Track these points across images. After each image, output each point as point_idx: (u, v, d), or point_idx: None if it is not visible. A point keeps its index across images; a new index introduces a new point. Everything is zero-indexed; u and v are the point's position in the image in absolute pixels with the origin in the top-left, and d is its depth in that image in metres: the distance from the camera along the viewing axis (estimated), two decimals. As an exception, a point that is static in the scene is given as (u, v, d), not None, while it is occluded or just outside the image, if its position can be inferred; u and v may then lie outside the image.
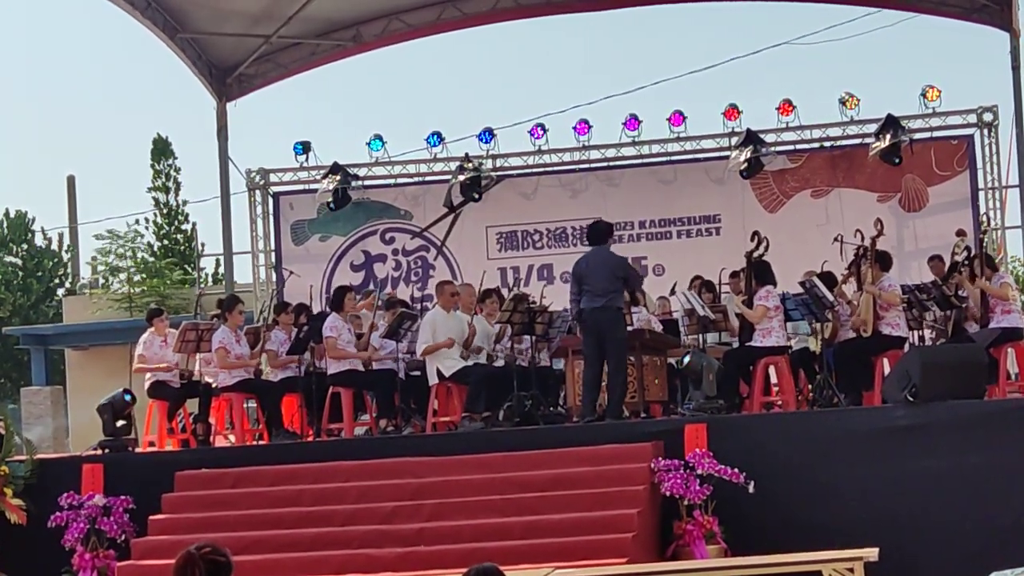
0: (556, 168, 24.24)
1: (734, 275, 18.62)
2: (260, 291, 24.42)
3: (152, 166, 45.68)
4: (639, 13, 25.83)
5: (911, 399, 14.22)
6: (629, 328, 16.78)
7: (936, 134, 22.97)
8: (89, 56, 76.23)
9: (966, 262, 17.64)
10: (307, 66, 25.13)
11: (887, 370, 16.24)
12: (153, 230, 44.93)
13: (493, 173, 23.91)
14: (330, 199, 23.62)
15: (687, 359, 15.99)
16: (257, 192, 24.88)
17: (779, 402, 17.24)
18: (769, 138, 22.88)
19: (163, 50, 23.62)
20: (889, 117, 22.14)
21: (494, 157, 24.09)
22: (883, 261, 16.97)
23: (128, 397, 16.91)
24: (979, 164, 22.81)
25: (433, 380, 17.07)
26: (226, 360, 17.50)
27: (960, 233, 18.97)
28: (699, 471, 13.88)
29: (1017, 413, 14.23)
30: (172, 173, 45.79)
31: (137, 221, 42.96)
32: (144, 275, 37.67)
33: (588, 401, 15.67)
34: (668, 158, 23.90)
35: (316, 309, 20.20)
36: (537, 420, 16.13)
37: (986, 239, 21.30)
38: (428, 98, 70.15)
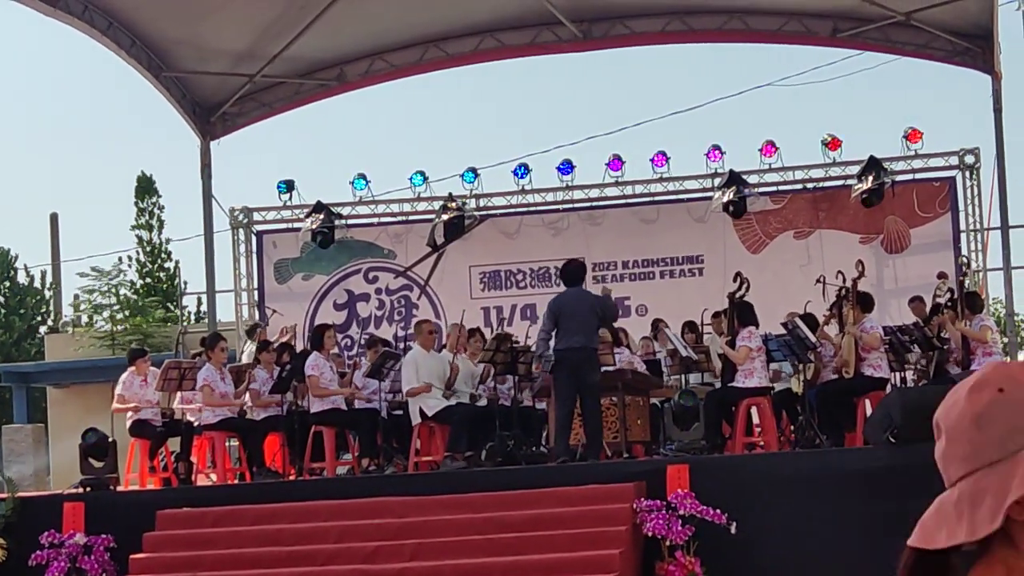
0: (539, 208, 24.28)
1: (716, 316, 18.71)
2: (242, 329, 24.39)
3: (136, 204, 45.70)
4: (622, 54, 25.96)
5: (893, 440, 14.24)
6: (612, 368, 16.83)
7: (918, 176, 23.06)
8: (73, 93, 76.22)
9: (948, 304, 17.69)
10: (291, 105, 25.17)
11: (869, 411, 16.26)
12: (136, 268, 44.91)
13: (476, 213, 23.97)
14: (317, 238, 23.68)
15: (682, 399, 15.99)
16: (240, 230, 24.89)
17: (761, 443, 17.25)
18: (752, 179, 22.96)
19: (147, 88, 23.66)
20: (871, 159, 22.24)
21: (477, 197, 24.14)
22: (865, 303, 17.02)
23: (89, 438, 16.81)
24: (961, 206, 22.88)
25: (416, 419, 17.08)
26: (211, 398, 17.49)
27: (942, 275, 19.03)
28: (681, 512, 13.88)
29: (998, 455, 14.24)
30: (155, 211, 45.81)
31: (120, 259, 42.87)
32: (127, 313, 37.60)
33: (563, 441, 15.69)
34: (651, 199, 23.96)
35: (299, 348, 20.19)
36: (519, 460, 16.13)
37: (967, 281, 21.36)
38: (412, 137, 70.28)
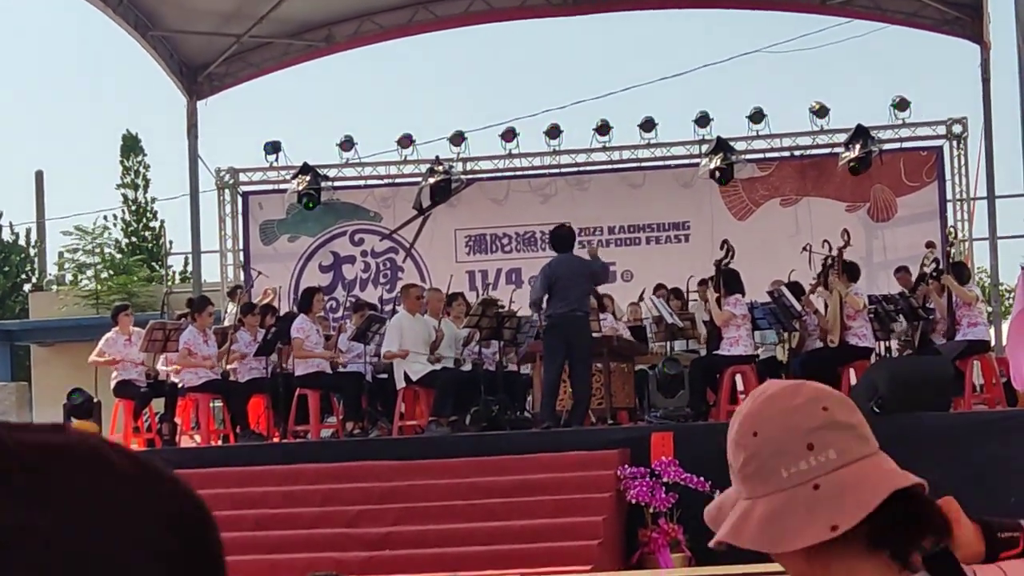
0: (526, 172, 24.24)
1: (702, 283, 18.71)
2: (227, 290, 24.33)
3: (121, 162, 45.56)
4: (610, 19, 25.84)
5: (877, 410, 14.26)
6: (597, 335, 16.82)
7: (906, 145, 23.05)
8: (59, 51, 76.03)
9: (934, 274, 17.70)
10: (278, 66, 25.08)
11: (854, 380, 16.27)
12: (121, 227, 44.78)
13: (463, 176, 23.91)
14: (304, 200, 23.62)
15: (668, 366, 15.99)
16: (226, 191, 24.83)
17: (746, 411, 17.23)
18: (739, 146, 22.93)
19: (134, 47, 23.55)
20: (859, 127, 22.21)
21: (464, 160, 24.08)
22: (851, 272, 17.01)
23: (74, 398, 16.85)
24: (948, 175, 22.90)
25: (400, 383, 17.05)
26: (187, 360, 17.46)
27: (929, 245, 19.02)
28: (665, 479, 13.89)
29: (982, 425, 14.29)
30: (141, 170, 45.67)
31: (105, 218, 42.75)
32: (112, 272, 37.52)
33: (548, 406, 15.66)
34: (638, 164, 23.93)
35: (284, 310, 20.16)
36: (504, 425, 16.12)
37: (953, 251, 21.38)
38: (399, 100, 70.10)
